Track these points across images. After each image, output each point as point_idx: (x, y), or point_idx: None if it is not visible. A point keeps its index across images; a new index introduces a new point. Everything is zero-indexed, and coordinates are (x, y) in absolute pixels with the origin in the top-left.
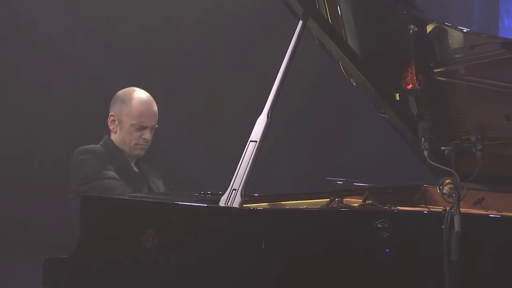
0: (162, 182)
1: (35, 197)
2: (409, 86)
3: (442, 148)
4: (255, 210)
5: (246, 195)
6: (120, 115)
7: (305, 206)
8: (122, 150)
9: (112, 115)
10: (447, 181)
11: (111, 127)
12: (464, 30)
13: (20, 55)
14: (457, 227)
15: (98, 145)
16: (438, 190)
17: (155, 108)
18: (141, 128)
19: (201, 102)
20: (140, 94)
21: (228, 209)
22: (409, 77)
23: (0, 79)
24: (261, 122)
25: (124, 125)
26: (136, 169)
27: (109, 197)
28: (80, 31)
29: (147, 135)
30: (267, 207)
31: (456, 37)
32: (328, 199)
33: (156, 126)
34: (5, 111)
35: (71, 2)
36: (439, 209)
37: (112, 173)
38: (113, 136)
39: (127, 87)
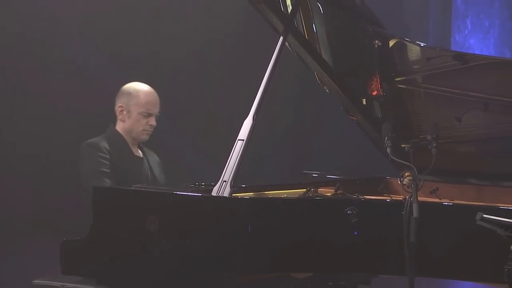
0: (160, 165)
1: (53, 186)
2: (374, 93)
3: (402, 145)
4: (242, 199)
5: (235, 186)
6: (128, 105)
7: (285, 195)
8: (125, 139)
9: (120, 106)
10: (406, 174)
11: (119, 117)
12: (421, 45)
13: (32, 66)
14: (415, 213)
15: (101, 137)
16: (399, 182)
17: (158, 98)
18: (148, 115)
19: (197, 105)
20: (144, 87)
21: (219, 198)
22: (374, 85)
23: (16, 87)
24: (247, 123)
25: (132, 114)
26: (139, 154)
27: (117, 188)
28: (89, 43)
29: (153, 121)
30: (253, 196)
31: (414, 51)
32: (305, 189)
33: (158, 114)
34: (22, 117)
35: (81, 16)
36: (400, 198)
37: (106, 170)
38: (122, 125)
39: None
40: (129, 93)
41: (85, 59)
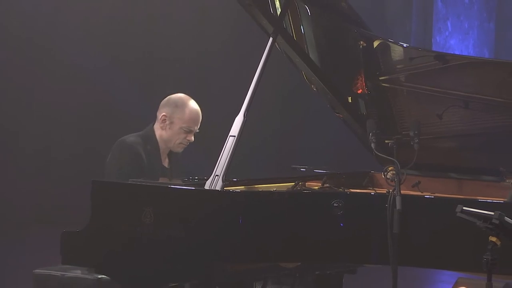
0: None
1: (54, 184)
2: (359, 91)
3: (386, 141)
4: (233, 192)
5: (226, 180)
6: (172, 117)
7: (275, 189)
8: (159, 145)
9: (164, 115)
10: (390, 168)
11: (161, 125)
12: (404, 45)
13: (33, 66)
14: (398, 205)
15: (139, 138)
16: (383, 176)
17: (201, 115)
18: (189, 131)
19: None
20: (191, 103)
21: (211, 192)
22: (359, 84)
23: (17, 88)
24: (238, 120)
25: (174, 126)
26: (165, 164)
27: (115, 182)
28: (90, 46)
29: (191, 137)
30: (244, 189)
31: (397, 51)
32: (293, 183)
33: (198, 131)
34: (22, 117)
35: (82, 20)
36: (383, 191)
37: (131, 175)
38: (160, 132)
39: (131, 94)
40: (176, 105)
41: (86, 61)
